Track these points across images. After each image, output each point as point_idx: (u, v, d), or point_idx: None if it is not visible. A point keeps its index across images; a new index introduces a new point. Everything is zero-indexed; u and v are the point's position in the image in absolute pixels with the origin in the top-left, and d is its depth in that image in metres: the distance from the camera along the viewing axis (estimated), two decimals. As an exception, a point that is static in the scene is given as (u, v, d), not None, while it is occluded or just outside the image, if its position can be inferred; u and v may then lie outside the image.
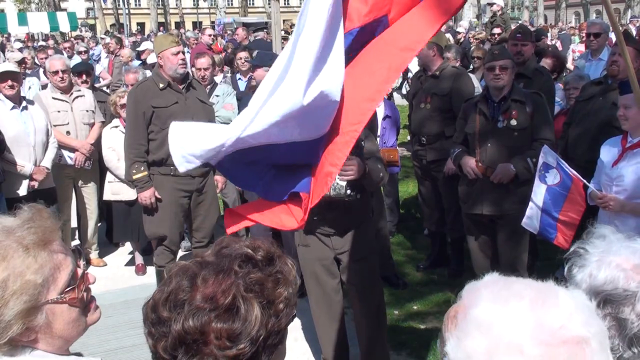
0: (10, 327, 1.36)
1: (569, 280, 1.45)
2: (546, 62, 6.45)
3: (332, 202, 3.53)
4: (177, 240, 5.08)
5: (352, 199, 3.60)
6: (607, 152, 3.86)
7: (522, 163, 4.38)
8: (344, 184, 3.52)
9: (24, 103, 5.47)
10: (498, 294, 1.02)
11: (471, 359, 0.97)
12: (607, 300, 1.39)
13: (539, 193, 4.02)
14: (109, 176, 5.88)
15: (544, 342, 0.94)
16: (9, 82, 5.33)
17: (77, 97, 5.95)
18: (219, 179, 5.26)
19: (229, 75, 7.81)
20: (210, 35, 13.11)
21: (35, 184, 5.39)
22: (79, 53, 11.44)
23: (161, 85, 4.85)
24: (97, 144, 5.95)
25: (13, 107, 5.38)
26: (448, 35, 14.65)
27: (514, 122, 4.43)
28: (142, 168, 4.84)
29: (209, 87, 6.20)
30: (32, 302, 1.39)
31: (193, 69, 7.70)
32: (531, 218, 4.09)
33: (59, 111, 5.81)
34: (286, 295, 1.30)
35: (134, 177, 4.85)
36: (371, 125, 3.92)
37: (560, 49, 14.24)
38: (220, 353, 1.21)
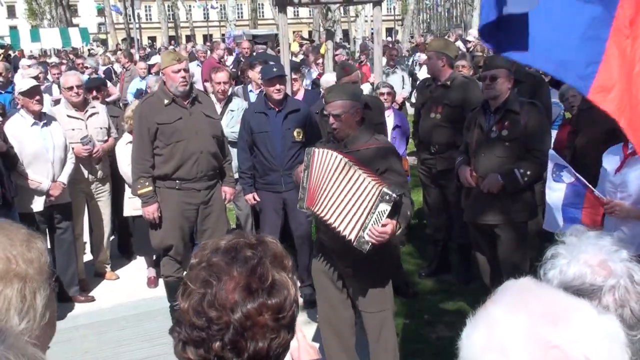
0: (43, 316, 1.26)
1: (542, 278, 1.52)
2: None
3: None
4: (182, 250, 5.07)
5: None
6: (610, 160, 3.85)
7: (509, 174, 4.39)
8: (369, 243, 3.37)
9: (44, 119, 5.45)
10: (518, 298, 1.06)
11: (471, 349, 1.04)
12: (576, 295, 1.45)
13: (557, 192, 4.00)
14: (129, 192, 5.85)
15: (532, 355, 0.97)
16: (37, 97, 5.32)
17: (91, 114, 5.94)
18: (227, 190, 5.22)
19: (237, 88, 7.88)
20: (223, 50, 13.50)
21: (52, 199, 5.39)
22: (88, 69, 11.55)
23: (166, 101, 4.86)
24: (112, 158, 5.97)
25: (34, 124, 5.36)
26: (459, 43, 14.64)
27: (505, 133, 4.43)
28: (147, 183, 4.87)
29: (223, 101, 6.25)
30: (49, 289, 1.31)
31: (206, 83, 7.76)
32: (551, 219, 4.04)
33: (73, 129, 5.77)
34: (289, 263, 1.47)
35: (139, 192, 4.89)
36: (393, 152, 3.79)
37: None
38: (274, 324, 1.36)
